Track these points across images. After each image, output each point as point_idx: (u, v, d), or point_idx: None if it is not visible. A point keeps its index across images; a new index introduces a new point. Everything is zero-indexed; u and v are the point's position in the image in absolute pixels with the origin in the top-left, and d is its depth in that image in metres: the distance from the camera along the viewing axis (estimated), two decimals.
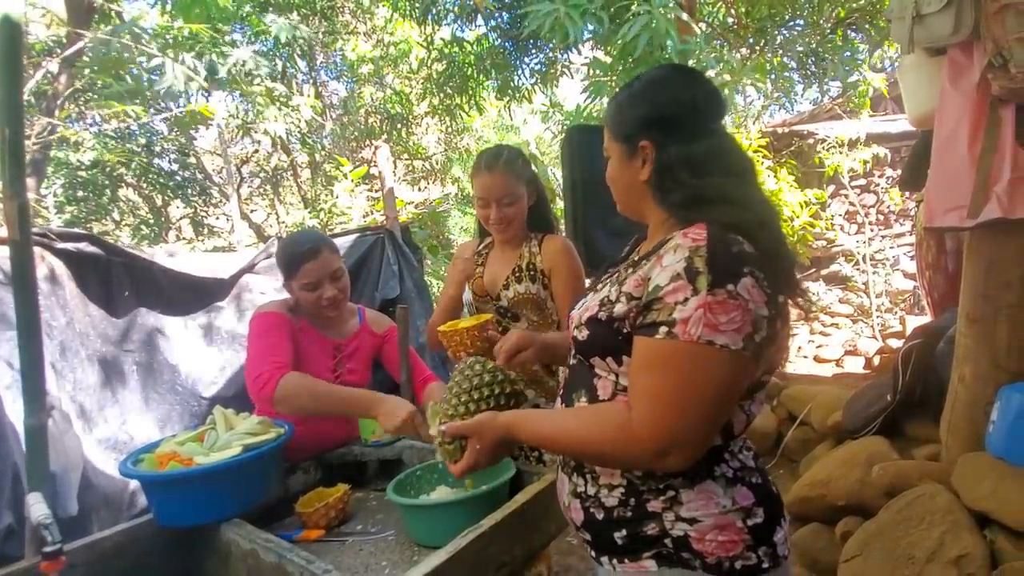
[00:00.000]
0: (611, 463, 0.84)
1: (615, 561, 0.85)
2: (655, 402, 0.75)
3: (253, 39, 5.18)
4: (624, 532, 0.83)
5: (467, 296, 1.64)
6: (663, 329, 0.74)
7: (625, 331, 0.81)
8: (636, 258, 0.90)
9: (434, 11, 4.55)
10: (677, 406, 0.74)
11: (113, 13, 4.66)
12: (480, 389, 0.95)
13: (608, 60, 3.51)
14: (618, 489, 0.84)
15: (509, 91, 5.00)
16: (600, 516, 0.86)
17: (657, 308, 0.76)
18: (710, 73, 3.26)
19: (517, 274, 1.56)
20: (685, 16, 3.11)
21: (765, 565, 0.81)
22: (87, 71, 4.71)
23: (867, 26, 4.24)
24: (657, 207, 0.89)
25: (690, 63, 3.21)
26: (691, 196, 0.82)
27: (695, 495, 0.80)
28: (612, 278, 0.90)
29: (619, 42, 2.91)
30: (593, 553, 0.90)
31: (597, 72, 3.45)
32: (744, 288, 0.73)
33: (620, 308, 0.81)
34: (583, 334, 0.87)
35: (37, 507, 0.95)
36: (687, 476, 0.81)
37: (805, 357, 4.87)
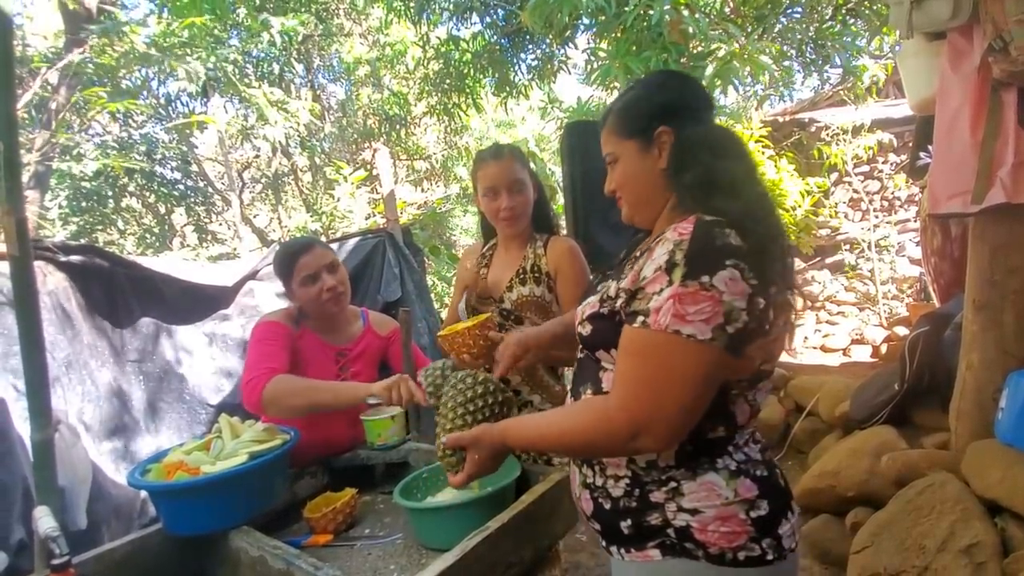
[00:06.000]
0: (596, 451, 0.87)
1: (623, 550, 0.88)
2: (627, 386, 0.79)
3: (249, 40, 5.17)
4: (629, 522, 0.86)
5: (461, 305, 1.62)
6: (640, 318, 0.78)
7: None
8: (638, 254, 0.91)
9: (429, 10, 4.54)
10: (646, 390, 0.77)
11: (105, 17, 4.67)
12: (474, 401, 0.98)
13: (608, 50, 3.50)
14: (623, 480, 0.87)
15: (506, 88, 4.99)
16: (608, 506, 0.89)
17: (640, 298, 0.79)
18: (715, 46, 3.24)
19: (521, 276, 1.54)
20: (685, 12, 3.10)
21: (770, 557, 0.82)
22: (85, 77, 4.72)
23: (867, 12, 4.19)
24: (669, 194, 0.90)
25: (697, 41, 3.19)
26: (704, 178, 0.84)
27: (697, 487, 0.82)
28: (614, 274, 0.93)
29: (625, 20, 2.88)
30: (603, 543, 0.92)
31: (599, 59, 3.43)
32: (721, 280, 0.74)
33: (620, 302, 0.84)
34: (586, 329, 0.90)
35: (44, 520, 0.95)
36: (689, 467, 0.83)
37: (813, 347, 4.85)
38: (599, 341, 0.88)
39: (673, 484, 0.83)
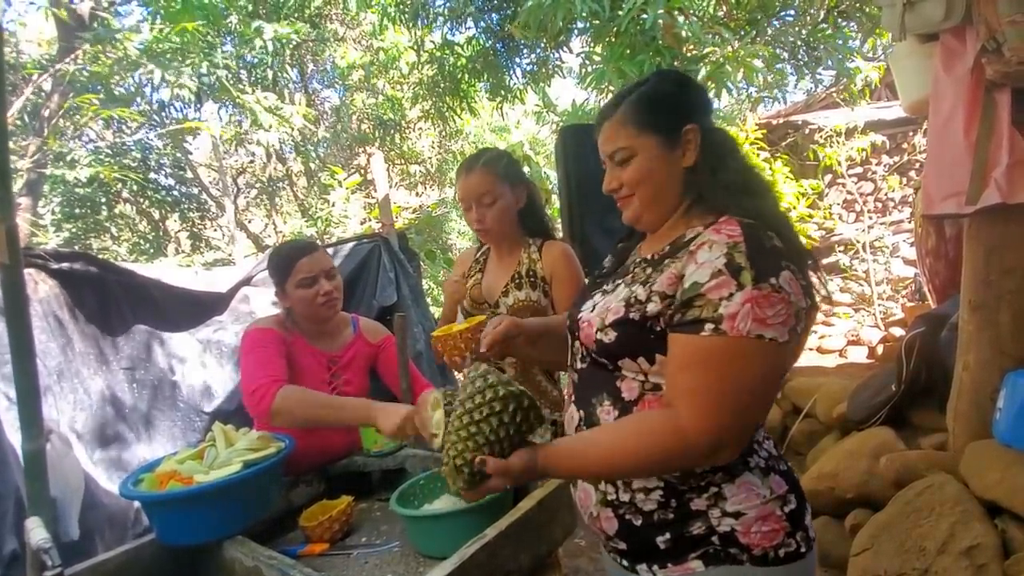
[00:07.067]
0: (666, 471, 0.81)
1: (655, 567, 0.84)
2: (705, 399, 0.74)
3: (243, 46, 5.17)
4: (668, 535, 0.82)
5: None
6: (709, 326, 0.74)
7: (658, 329, 0.80)
8: (652, 257, 0.88)
9: (423, 15, 4.55)
10: (727, 401, 0.74)
11: (98, 23, 4.65)
12: (480, 409, 0.81)
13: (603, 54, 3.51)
14: (656, 492, 0.82)
15: (501, 92, 4.99)
16: (638, 522, 0.84)
17: (699, 305, 0.75)
18: (708, 50, 3.26)
19: (517, 280, 1.52)
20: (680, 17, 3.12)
21: (803, 550, 0.82)
22: (78, 84, 4.71)
23: (859, 14, 4.22)
24: (683, 194, 0.88)
25: (690, 44, 3.21)
26: (740, 178, 0.84)
27: (737, 489, 0.80)
28: (627, 278, 0.89)
29: (619, 24, 2.89)
30: (626, 563, 0.87)
31: (593, 63, 3.44)
32: (785, 281, 0.73)
33: (653, 307, 0.80)
34: (610, 336, 0.83)
35: (36, 531, 0.94)
36: (726, 471, 0.81)
37: (809, 349, 4.85)
38: (624, 349, 0.83)
39: (714, 489, 0.80)
